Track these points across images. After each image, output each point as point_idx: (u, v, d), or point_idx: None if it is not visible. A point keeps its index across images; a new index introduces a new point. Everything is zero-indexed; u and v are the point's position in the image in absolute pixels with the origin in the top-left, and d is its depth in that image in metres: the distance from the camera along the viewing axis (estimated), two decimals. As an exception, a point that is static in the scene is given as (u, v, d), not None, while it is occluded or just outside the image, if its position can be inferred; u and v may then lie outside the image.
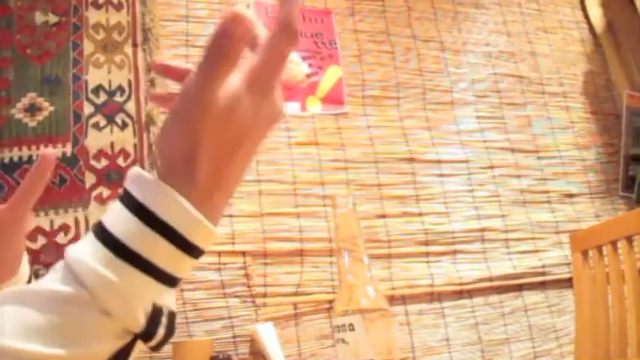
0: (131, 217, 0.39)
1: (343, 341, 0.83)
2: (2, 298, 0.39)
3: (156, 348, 0.42)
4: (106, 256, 0.38)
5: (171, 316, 0.41)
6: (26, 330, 0.37)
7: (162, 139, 0.41)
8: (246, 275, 1.53)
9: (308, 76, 1.78)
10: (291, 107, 1.73)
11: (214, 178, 0.41)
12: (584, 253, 1.39)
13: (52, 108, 1.54)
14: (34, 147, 1.50)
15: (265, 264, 1.56)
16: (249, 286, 1.53)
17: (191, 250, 0.40)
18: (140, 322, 0.39)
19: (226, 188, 0.42)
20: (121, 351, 0.39)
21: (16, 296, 0.39)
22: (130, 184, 0.40)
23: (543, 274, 1.82)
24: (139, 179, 0.40)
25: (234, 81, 0.40)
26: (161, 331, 0.40)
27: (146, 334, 0.39)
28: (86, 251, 0.39)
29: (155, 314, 0.40)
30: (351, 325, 0.82)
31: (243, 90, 0.40)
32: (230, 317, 1.49)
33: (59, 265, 0.39)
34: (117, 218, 0.40)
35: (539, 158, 2.00)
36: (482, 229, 1.82)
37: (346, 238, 0.90)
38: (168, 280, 0.40)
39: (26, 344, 0.36)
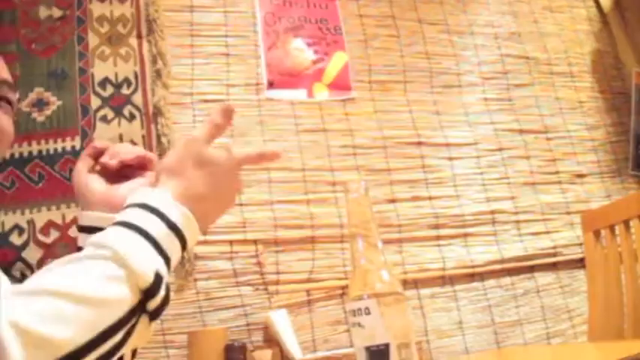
0: (144, 212, 0.57)
1: (359, 325, 0.83)
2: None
3: (155, 314, 0.54)
4: (125, 231, 0.54)
5: (168, 286, 0.54)
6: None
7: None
8: (259, 263, 1.54)
9: (314, 62, 1.77)
10: (298, 94, 1.73)
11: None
12: (596, 233, 1.39)
13: (59, 102, 1.54)
14: (43, 142, 1.50)
15: (277, 252, 1.57)
16: (261, 274, 1.53)
17: (178, 235, 0.57)
18: (149, 278, 0.52)
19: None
20: (131, 311, 0.51)
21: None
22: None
23: (555, 254, 1.82)
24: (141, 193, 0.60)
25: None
26: (162, 293, 0.53)
27: (150, 293, 0.52)
28: (106, 232, 0.55)
29: (158, 278, 0.53)
30: (366, 308, 0.82)
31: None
32: (243, 305, 1.50)
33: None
34: (133, 214, 0.57)
35: (548, 139, 1.99)
36: (493, 212, 1.82)
37: (359, 224, 0.90)
38: (164, 254, 0.55)
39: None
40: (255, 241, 1.56)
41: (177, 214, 0.58)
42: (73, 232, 1.46)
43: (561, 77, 2.10)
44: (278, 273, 1.55)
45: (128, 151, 0.72)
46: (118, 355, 0.51)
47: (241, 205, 1.57)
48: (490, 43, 2.04)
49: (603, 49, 2.22)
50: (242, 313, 1.50)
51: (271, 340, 1.47)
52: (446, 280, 1.70)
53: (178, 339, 1.42)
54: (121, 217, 0.56)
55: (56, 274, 0.51)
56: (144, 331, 0.54)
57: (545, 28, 2.15)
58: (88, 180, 0.70)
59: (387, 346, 0.82)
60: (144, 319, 0.54)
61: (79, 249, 0.65)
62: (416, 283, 1.67)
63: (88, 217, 0.68)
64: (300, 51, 1.76)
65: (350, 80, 1.80)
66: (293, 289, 1.55)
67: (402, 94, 1.86)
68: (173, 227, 0.57)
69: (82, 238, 0.66)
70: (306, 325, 1.54)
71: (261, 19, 1.77)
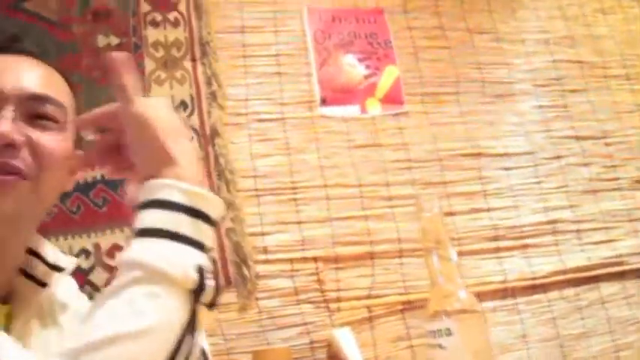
0: (159, 211, 0.55)
1: (440, 347, 0.82)
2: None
3: (211, 305, 0.54)
4: (150, 241, 0.54)
5: (214, 272, 0.55)
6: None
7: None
8: (319, 281, 1.54)
9: (365, 77, 1.77)
10: (351, 110, 1.73)
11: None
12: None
13: (120, 128, 1.57)
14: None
15: (337, 269, 1.57)
16: (322, 292, 1.53)
17: (202, 216, 0.56)
18: (192, 276, 0.52)
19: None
20: (190, 316, 0.52)
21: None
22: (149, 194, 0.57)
23: (620, 264, 1.77)
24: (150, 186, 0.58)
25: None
26: (210, 283, 0.53)
27: (199, 289, 0.52)
28: (132, 249, 0.54)
29: (201, 272, 0.53)
30: (447, 329, 0.81)
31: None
32: (305, 323, 1.50)
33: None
34: (147, 217, 0.55)
35: (606, 144, 1.94)
36: (553, 221, 1.78)
37: (434, 241, 0.89)
38: (197, 244, 0.54)
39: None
40: (314, 259, 1.56)
41: (186, 197, 0.56)
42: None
43: (617, 80, 2.05)
44: (338, 290, 1.55)
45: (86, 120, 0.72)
46: (197, 351, 0.53)
47: (300, 223, 1.57)
48: (542, 50, 2.01)
49: (659, 49, 2.16)
50: (304, 331, 1.49)
51: (334, 357, 1.46)
52: (507, 292, 1.67)
53: (242, 358, 1.43)
54: (138, 224, 0.55)
55: (102, 318, 0.50)
56: (206, 316, 0.56)
57: (597, 31, 2.11)
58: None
59: (468, 367, 0.81)
60: (202, 310, 0.54)
61: None
62: (477, 297, 1.63)
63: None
64: (351, 67, 1.76)
65: (402, 94, 1.79)
66: (353, 306, 1.55)
67: (455, 105, 1.84)
68: (192, 211, 0.55)
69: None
70: (367, 342, 1.52)
71: (311, 36, 1.78)
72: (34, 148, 0.69)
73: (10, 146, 0.66)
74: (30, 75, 0.73)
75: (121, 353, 0.47)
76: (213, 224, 0.57)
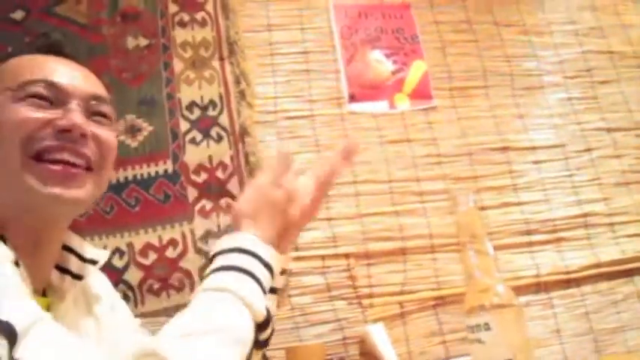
0: (244, 255, 0.66)
1: (479, 341, 0.82)
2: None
3: (264, 344, 0.65)
4: (236, 275, 0.64)
5: (273, 319, 0.67)
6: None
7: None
8: (351, 277, 1.54)
9: (393, 73, 1.77)
10: (380, 106, 1.73)
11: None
12: None
13: (150, 128, 1.60)
14: (137, 167, 1.56)
15: (368, 265, 1.57)
16: (354, 288, 1.53)
17: (271, 270, 0.66)
18: (263, 312, 0.62)
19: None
20: (252, 345, 0.60)
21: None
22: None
23: (655, 256, 1.74)
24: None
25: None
26: (271, 326, 0.65)
27: (263, 326, 0.62)
28: (222, 276, 0.64)
29: (269, 313, 0.63)
30: (486, 324, 0.81)
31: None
32: (338, 320, 1.51)
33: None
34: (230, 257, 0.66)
35: (637, 136, 1.91)
36: (585, 215, 1.75)
37: (469, 235, 0.89)
38: (265, 290, 0.65)
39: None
40: (346, 255, 1.56)
41: (267, 254, 0.67)
42: (169, 252, 1.51)
43: (648, 70, 2.01)
44: (370, 286, 1.55)
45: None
46: None
47: (330, 219, 1.58)
48: (571, 41, 1.98)
49: (691, 36, 2.11)
50: (337, 327, 1.50)
51: (368, 353, 1.46)
52: (540, 287, 1.65)
53: (276, 355, 1.44)
54: (224, 261, 0.65)
55: (200, 315, 0.59)
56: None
57: (627, 20, 2.07)
58: None
59: (509, 361, 0.80)
60: (255, 350, 0.63)
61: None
62: (510, 292, 1.62)
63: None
64: (379, 62, 1.76)
65: (430, 89, 1.78)
66: (386, 302, 1.55)
67: (484, 99, 1.82)
68: (267, 265, 0.66)
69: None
70: (400, 338, 1.52)
71: (338, 32, 1.78)
72: (97, 141, 0.75)
73: (83, 136, 0.72)
74: (84, 76, 0.78)
75: (217, 344, 0.55)
76: (273, 277, 0.68)
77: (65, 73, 0.76)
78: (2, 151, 0.70)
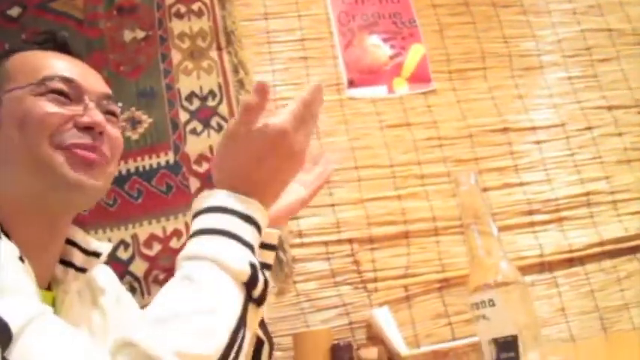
0: (218, 214, 0.61)
1: (484, 317, 0.82)
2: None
3: (260, 299, 0.60)
4: (211, 238, 0.60)
5: (263, 271, 0.61)
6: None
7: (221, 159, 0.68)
8: (355, 262, 1.55)
9: (391, 57, 1.76)
10: (379, 91, 1.73)
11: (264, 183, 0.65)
12: None
13: (150, 120, 1.60)
14: (139, 159, 1.57)
15: (372, 249, 1.57)
16: (359, 273, 1.54)
17: (254, 223, 0.62)
18: (247, 271, 0.58)
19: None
20: (244, 305, 0.57)
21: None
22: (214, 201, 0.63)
23: (658, 233, 1.74)
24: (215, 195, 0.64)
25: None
26: (261, 279, 0.60)
27: (252, 283, 0.58)
28: (199, 244, 0.60)
29: (253, 268, 0.59)
30: (490, 300, 0.81)
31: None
32: (344, 305, 1.52)
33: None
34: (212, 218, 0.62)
35: (638, 113, 1.90)
36: (587, 193, 1.75)
37: (472, 215, 0.89)
38: (249, 246, 0.61)
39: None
40: (349, 240, 1.57)
41: (243, 205, 0.62)
42: (174, 243, 1.51)
43: (648, 47, 2.01)
44: (375, 270, 1.56)
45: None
46: (245, 347, 0.57)
47: (333, 205, 1.58)
48: (569, 20, 1.97)
49: (690, 11, 2.10)
50: (343, 312, 1.51)
51: (374, 337, 1.47)
52: (544, 266, 1.66)
53: (283, 341, 1.45)
54: (199, 225, 0.61)
55: (178, 295, 0.57)
56: (255, 318, 0.61)
57: (626, -3, 2.06)
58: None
59: (514, 337, 0.81)
60: (252, 307, 0.59)
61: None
62: (514, 272, 1.63)
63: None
64: (376, 47, 1.75)
65: (429, 72, 1.78)
66: (390, 286, 1.55)
67: (483, 80, 1.82)
68: (245, 218, 0.62)
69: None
70: (406, 321, 1.53)
71: (334, 19, 1.78)
72: (110, 138, 0.77)
73: (101, 134, 0.76)
74: (94, 75, 0.81)
75: (197, 327, 0.53)
76: (258, 231, 0.64)
77: (79, 71, 0.79)
78: (27, 140, 0.72)
